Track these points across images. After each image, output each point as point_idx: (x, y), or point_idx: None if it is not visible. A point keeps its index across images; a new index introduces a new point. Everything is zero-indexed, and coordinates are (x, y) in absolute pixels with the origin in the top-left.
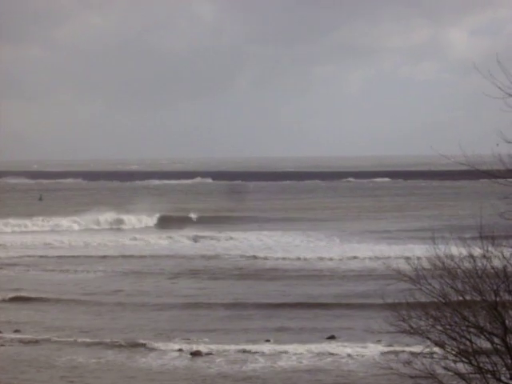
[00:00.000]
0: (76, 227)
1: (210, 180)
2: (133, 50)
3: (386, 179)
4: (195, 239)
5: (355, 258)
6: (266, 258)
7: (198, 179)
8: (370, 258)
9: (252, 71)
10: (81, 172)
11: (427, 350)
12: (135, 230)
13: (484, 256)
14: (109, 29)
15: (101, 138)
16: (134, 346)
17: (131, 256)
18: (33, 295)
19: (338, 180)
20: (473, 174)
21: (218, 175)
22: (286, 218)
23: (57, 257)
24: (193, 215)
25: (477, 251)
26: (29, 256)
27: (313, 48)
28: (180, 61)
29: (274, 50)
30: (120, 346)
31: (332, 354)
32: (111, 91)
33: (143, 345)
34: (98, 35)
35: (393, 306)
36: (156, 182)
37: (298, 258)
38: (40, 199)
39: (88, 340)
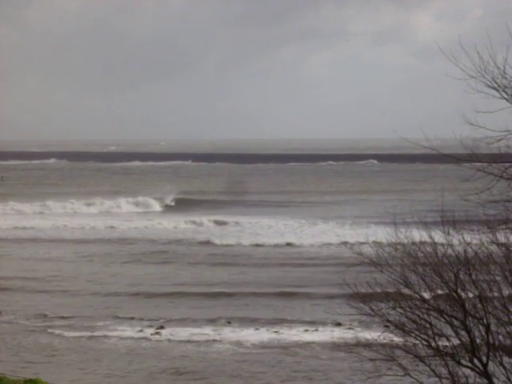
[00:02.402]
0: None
1: (196, 162)
2: (101, 32)
3: (374, 161)
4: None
5: (325, 243)
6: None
7: (190, 161)
8: (337, 244)
9: (218, 54)
10: (55, 153)
11: (387, 332)
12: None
13: (445, 240)
14: (77, 11)
15: (68, 120)
16: (98, 328)
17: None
18: None
19: (320, 163)
20: (441, 157)
21: (200, 157)
22: (278, 201)
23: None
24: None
25: (438, 235)
26: None
27: (279, 31)
28: (147, 44)
29: (240, 32)
30: (85, 327)
31: (292, 336)
32: (79, 73)
33: (106, 327)
34: (67, 17)
35: (355, 294)
36: (139, 163)
37: (264, 244)
38: (1, 180)
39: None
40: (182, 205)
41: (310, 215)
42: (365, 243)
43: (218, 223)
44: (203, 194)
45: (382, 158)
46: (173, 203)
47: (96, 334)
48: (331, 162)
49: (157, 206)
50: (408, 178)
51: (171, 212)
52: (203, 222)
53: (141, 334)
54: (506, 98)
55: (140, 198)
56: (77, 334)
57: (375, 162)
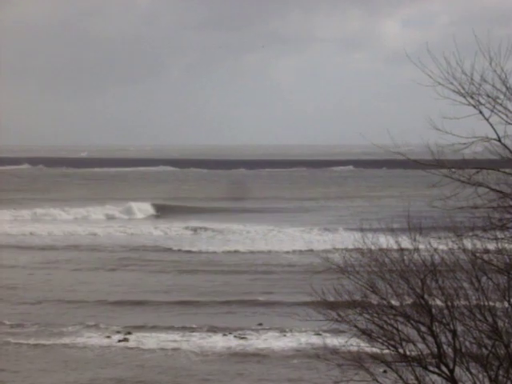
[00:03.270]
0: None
1: (169, 167)
2: (67, 35)
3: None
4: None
5: (294, 250)
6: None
7: (161, 167)
8: (306, 250)
9: (185, 58)
10: (26, 158)
11: (354, 337)
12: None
13: (412, 246)
14: (44, 13)
15: (32, 124)
16: (66, 335)
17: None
18: None
19: (293, 168)
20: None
21: (172, 163)
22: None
23: None
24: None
25: (405, 241)
26: None
27: (246, 36)
28: (114, 47)
29: (207, 37)
30: (52, 335)
31: (260, 343)
32: (44, 76)
33: (73, 334)
34: (33, 20)
35: (323, 300)
36: (112, 169)
37: (233, 251)
38: None
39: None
40: (153, 211)
41: (280, 221)
42: (332, 249)
43: (189, 230)
44: (174, 200)
45: (353, 163)
46: (147, 209)
47: (63, 341)
48: (304, 168)
49: (130, 213)
50: (379, 183)
51: (144, 219)
52: (173, 229)
53: (108, 341)
54: (472, 105)
55: (108, 206)
56: (43, 341)
57: (350, 167)
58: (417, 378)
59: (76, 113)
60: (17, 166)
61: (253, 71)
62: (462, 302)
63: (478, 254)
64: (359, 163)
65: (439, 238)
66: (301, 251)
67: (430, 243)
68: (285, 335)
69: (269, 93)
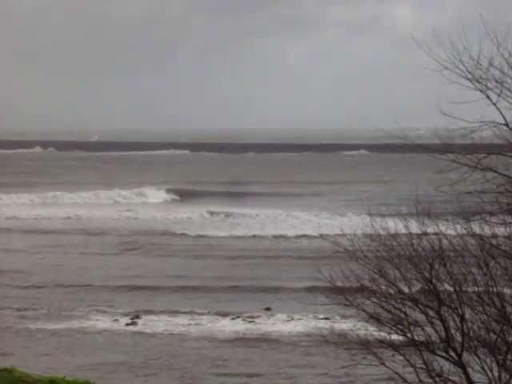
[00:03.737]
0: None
1: (189, 152)
2: (79, 20)
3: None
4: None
5: (303, 234)
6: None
7: (172, 150)
8: (315, 235)
9: (196, 41)
10: (38, 141)
11: (362, 322)
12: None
13: (420, 230)
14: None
15: (45, 107)
16: (75, 318)
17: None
18: None
19: (307, 152)
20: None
21: (186, 147)
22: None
23: None
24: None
25: (414, 225)
26: None
27: (257, 20)
28: (126, 31)
29: (218, 21)
30: (61, 318)
31: (269, 327)
32: (57, 61)
33: (82, 318)
34: (45, 5)
35: (330, 284)
36: (141, 152)
37: (243, 236)
38: None
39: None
40: (164, 195)
41: (290, 205)
42: (342, 234)
43: (200, 214)
44: (185, 184)
45: (364, 147)
46: (158, 193)
47: (71, 324)
48: (315, 153)
49: (141, 196)
50: (390, 167)
51: (155, 202)
52: (183, 213)
53: (116, 324)
54: (479, 89)
55: (119, 190)
56: (51, 325)
57: (362, 151)
58: (425, 363)
59: (87, 97)
60: (29, 149)
61: (264, 55)
62: (470, 287)
63: (486, 239)
64: (370, 147)
65: (447, 221)
66: (309, 235)
67: (437, 226)
68: (293, 319)
69: (280, 76)
